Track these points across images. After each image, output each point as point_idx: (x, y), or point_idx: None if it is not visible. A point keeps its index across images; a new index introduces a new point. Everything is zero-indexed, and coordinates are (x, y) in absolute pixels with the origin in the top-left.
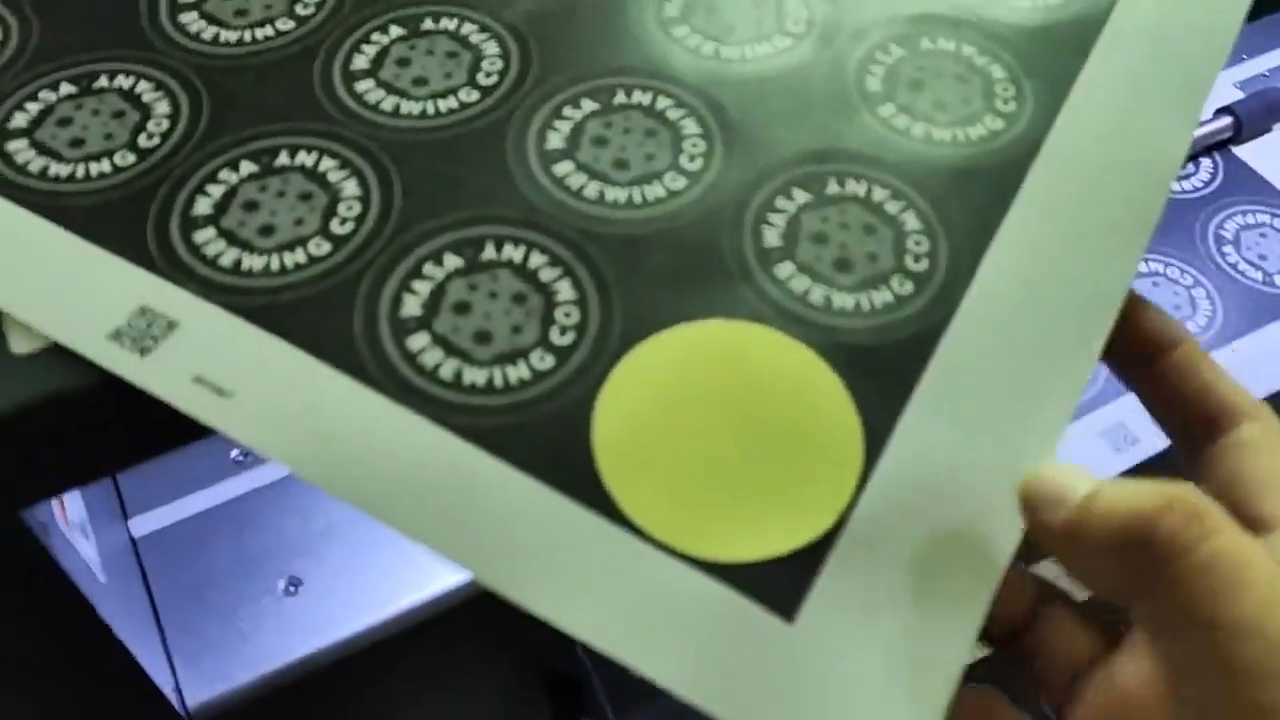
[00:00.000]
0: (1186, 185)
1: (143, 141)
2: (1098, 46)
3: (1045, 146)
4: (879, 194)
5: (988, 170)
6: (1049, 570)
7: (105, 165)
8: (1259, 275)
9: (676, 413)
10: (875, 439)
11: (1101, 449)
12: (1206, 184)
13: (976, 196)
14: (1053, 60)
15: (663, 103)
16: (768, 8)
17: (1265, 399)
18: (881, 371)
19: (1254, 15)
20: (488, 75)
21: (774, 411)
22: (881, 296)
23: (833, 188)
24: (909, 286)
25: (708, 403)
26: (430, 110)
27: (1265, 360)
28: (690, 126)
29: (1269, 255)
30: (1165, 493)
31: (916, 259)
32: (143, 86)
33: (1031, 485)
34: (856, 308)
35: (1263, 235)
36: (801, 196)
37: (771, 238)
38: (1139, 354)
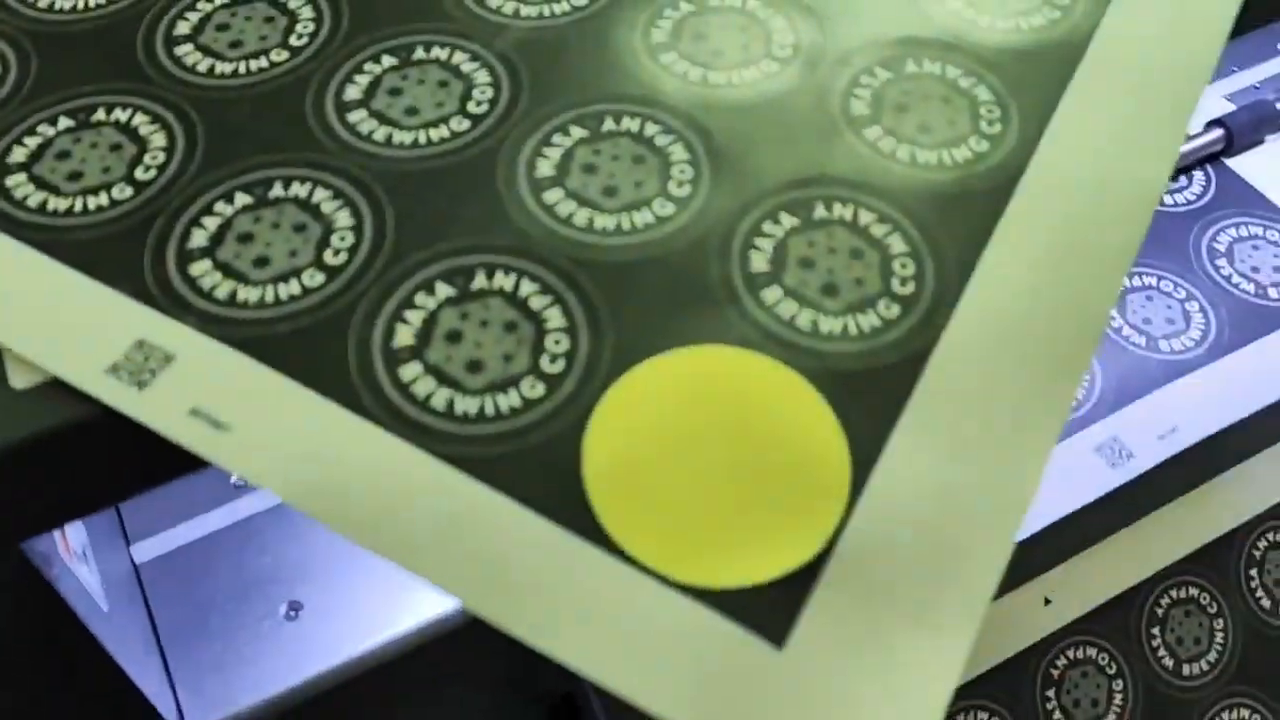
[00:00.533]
0: (1179, 198)
1: (139, 174)
2: (1082, 68)
3: (1031, 168)
4: (865, 217)
5: (974, 193)
6: (1047, 586)
7: (103, 199)
8: (1252, 288)
9: (665, 439)
10: (863, 462)
11: (1096, 464)
12: (1199, 197)
13: (962, 219)
14: (1038, 82)
15: (651, 129)
16: (754, 33)
17: (1259, 413)
18: (868, 395)
19: (1235, 32)
20: (478, 104)
21: (761, 436)
22: (868, 320)
23: (820, 212)
24: (895, 310)
25: (696, 429)
26: (422, 140)
27: (1259, 374)
28: (678, 153)
29: (1261, 267)
30: None
31: (903, 282)
32: (139, 119)
33: None
34: (844, 332)
35: (1255, 247)
36: (788, 221)
37: (759, 263)
38: None
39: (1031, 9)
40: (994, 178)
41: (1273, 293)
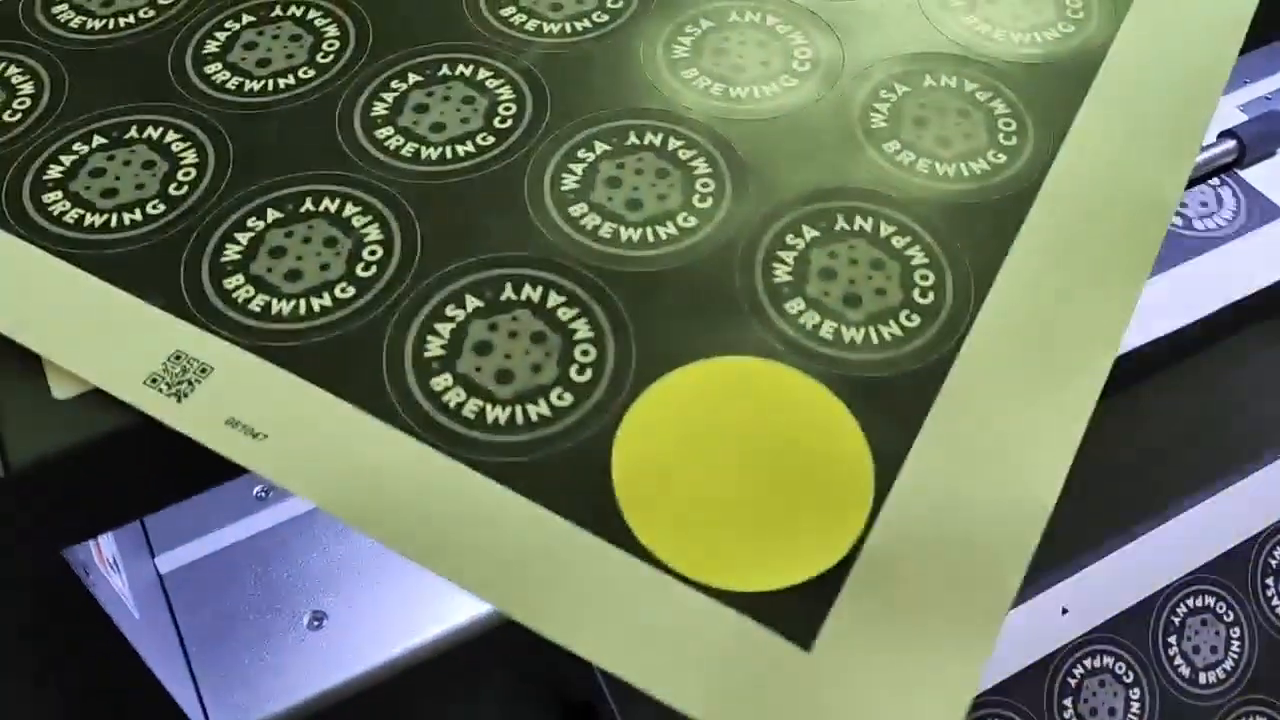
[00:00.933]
0: (1209, 224)
1: (172, 191)
2: (1097, 81)
3: (1048, 180)
4: (886, 229)
5: (991, 205)
6: (1064, 595)
7: (137, 215)
8: (1179, 221)
9: (693, 448)
10: (886, 469)
11: None
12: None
13: (981, 230)
14: (1054, 95)
15: (674, 143)
16: (774, 48)
17: (1170, 335)
18: (891, 404)
19: (1247, 47)
20: (503, 120)
21: (787, 445)
22: (890, 330)
23: (841, 224)
24: (916, 320)
25: (723, 438)
26: (449, 155)
27: (1174, 298)
28: (701, 167)
29: (1188, 203)
30: None
31: (923, 293)
32: (171, 137)
33: None
34: (865, 341)
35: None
36: (810, 233)
37: (782, 274)
38: None
39: (1046, 22)
40: (1012, 189)
41: (1197, 225)
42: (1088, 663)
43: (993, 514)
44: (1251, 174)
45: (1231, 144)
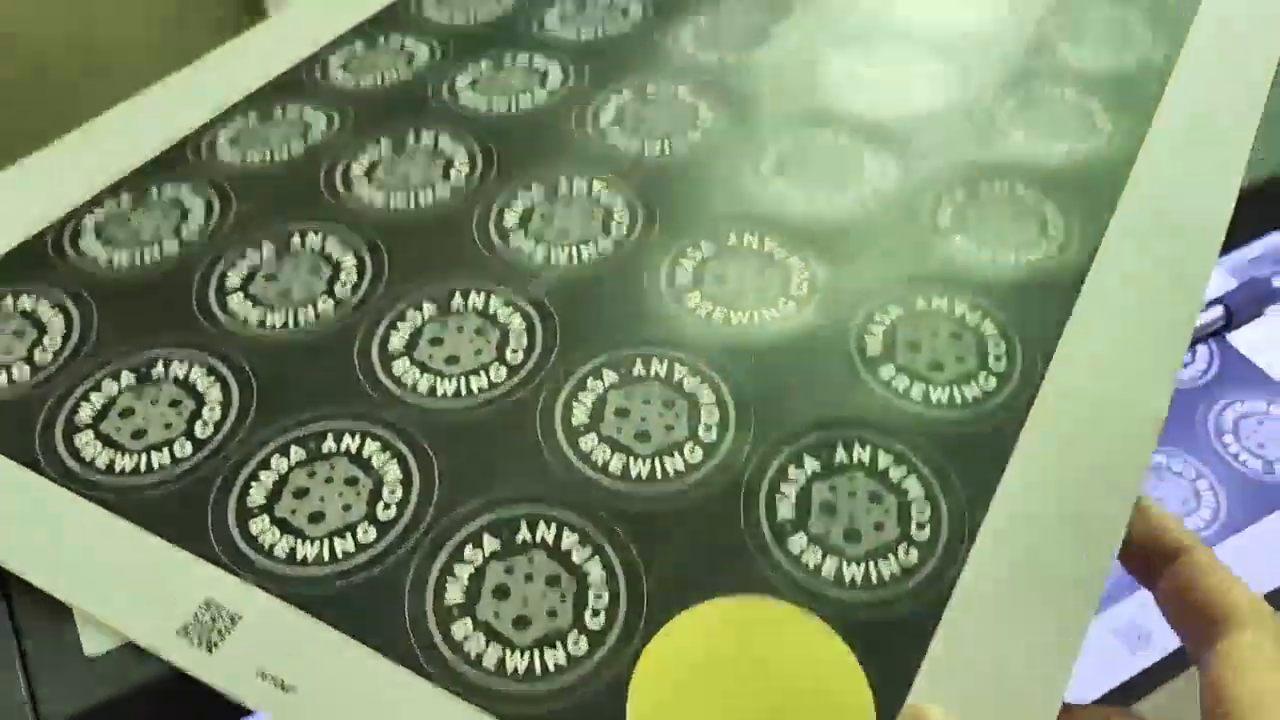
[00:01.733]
0: (1184, 375)
1: (199, 430)
2: (1081, 300)
3: (1037, 401)
4: (883, 460)
5: (983, 435)
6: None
7: (165, 456)
8: (1260, 464)
9: (697, 698)
10: (887, 711)
11: (1115, 648)
12: (1203, 373)
13: (973, 460)
14: (1039, 315)
15: (679, 372)
16: (771, 274)
17: (1269, 594)
18: (891, 643)
19: (1226, 248)
20: (514, 351)
21: (789, 690)
22: (889, 567)
23: (840, 455)
24: (914, 555)
25: (728, 686)
26: (463, 390)
27: (1268, 553)
28: (705, 395)
29: (1267, 443)
30: None
31: (920, 526)
32: (196, 373)
33: None
34: (865, 579)
35: (1260, 423)
36: (811, 465)
37: (784, 510)
38: (1149, 563)
39: (1029, 242)
40: (1001, 418)
41: (1279, 469)
42: None
43: None
44: (1243, 341)
45: (1219, 311)
